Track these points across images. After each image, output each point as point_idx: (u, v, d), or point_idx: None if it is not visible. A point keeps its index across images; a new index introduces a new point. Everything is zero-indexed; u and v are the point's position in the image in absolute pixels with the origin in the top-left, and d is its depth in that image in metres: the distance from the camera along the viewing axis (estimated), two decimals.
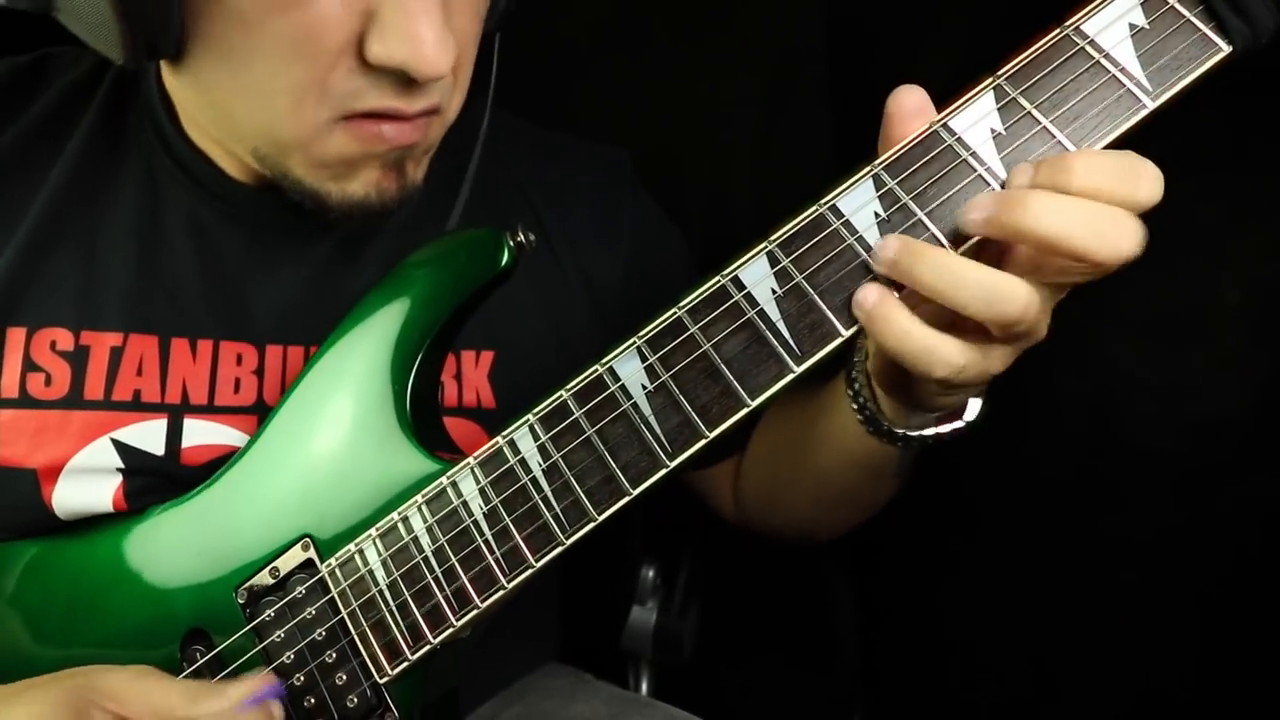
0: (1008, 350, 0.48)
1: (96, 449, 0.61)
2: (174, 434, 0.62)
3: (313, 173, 0.57)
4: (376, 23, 0.50)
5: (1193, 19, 0.45)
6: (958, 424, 0.55)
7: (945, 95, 0.49)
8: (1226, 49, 0.45)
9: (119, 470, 0.61)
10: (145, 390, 0.62)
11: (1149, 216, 0.45)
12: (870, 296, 0.47)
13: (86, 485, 0.61)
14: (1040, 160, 0.45)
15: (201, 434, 0.62)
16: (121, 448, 0.61)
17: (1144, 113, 0.46)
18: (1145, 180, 0.44)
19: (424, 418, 0.58)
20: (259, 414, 0.63)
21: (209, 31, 0.51)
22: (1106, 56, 0.46)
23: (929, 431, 0.55)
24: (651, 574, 0.90)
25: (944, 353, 0.46)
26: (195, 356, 0.63)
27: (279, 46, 0.51)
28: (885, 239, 0.47)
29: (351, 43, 0.51)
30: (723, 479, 0.78)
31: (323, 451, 0.57)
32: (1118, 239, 0.43)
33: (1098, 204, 0.43)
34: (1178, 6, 0.46)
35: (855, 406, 0.57)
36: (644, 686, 0.89)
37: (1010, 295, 0.44)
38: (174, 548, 0.58)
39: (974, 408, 0.55)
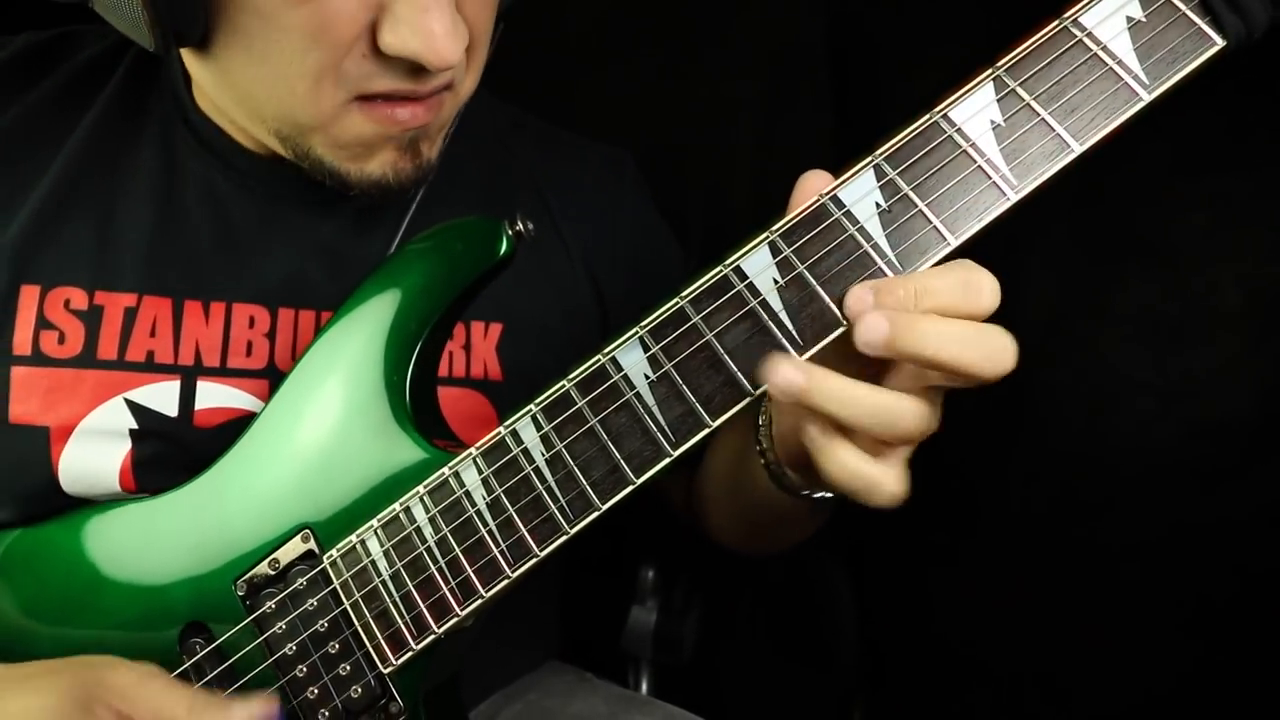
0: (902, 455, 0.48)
1: (109, 409, 0.61)
2: (187, 395, 0.63)
3: (333, 153, 0.59)
4: (388, 15, 0.52)
5: (1189, 13, 0.46)
6: None
7: (948, 92, 0.49)
8: (1221, 43, 0.46)
9: (131, 432, 0.62)
10: (159, 351, 0.63)
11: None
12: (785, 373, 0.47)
13: (97, 448, 0.61)
14: (878, 285, 0.46)
15: (214, 396, 0.63)
16: (135, 408, 0.62)
17: (1140, 105, 0.47)
18: (985, 292, 0.45)
19: (423, 407, 0.59)
20: (270, 378, 0.64)
21: (231, 22, 0.53)
22: (1104, 49, 0.47)
23: (831, 494, 0.55)
24: (651, 574, 0.90)
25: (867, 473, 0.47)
26: (208, 318, 0.64)
27: (295, 36, 0.53)
28: (780, 365, 0.46)
29: (365, 31, 0.53)
30: (675, 486, 0.79)
31: (320, 442, 0.57)
32: (1001, 356, 0.45)
33: (977, 325, 0.45)
34: (1174, 0, 0.46)
35: (763, 462, 0.57)
36: (644, 686, 0.89)
37: (902, 414, 0.46)
38: (170, 539, 0.58)
39: None
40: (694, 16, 0.98)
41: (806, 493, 0.56)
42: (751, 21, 0.97)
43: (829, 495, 0.56)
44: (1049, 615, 0.96)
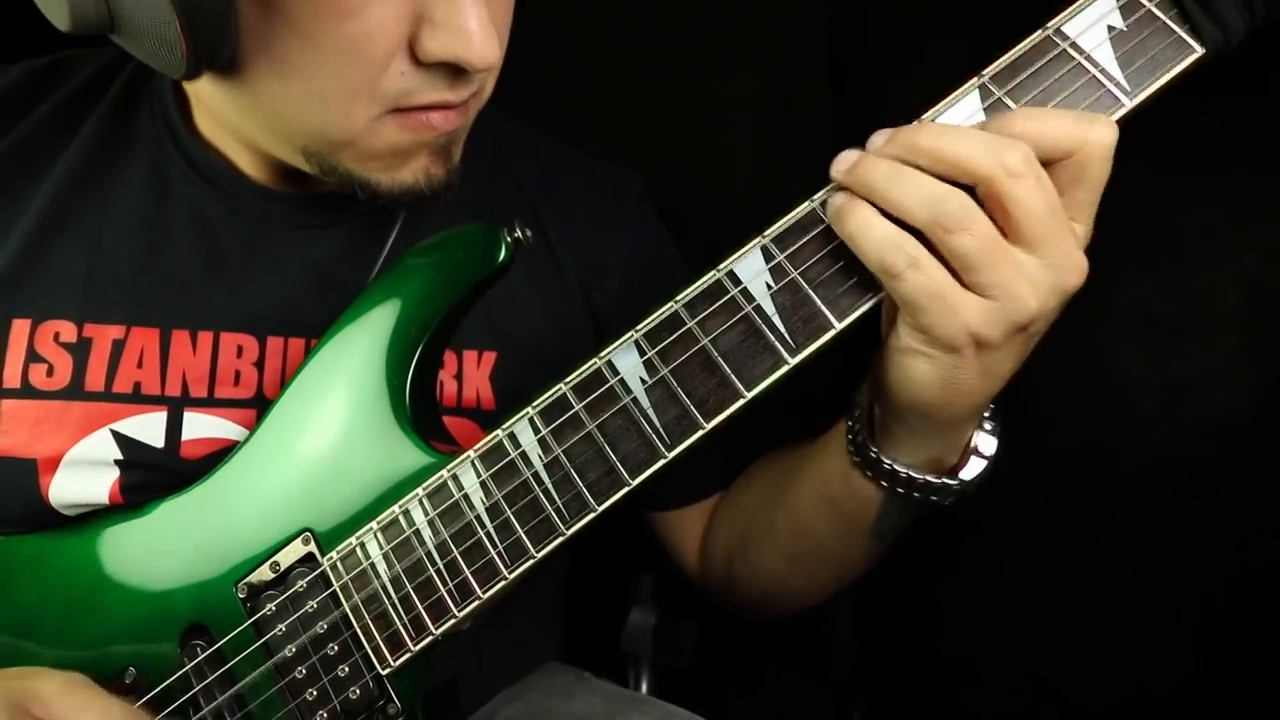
0: (977, 302, 0.47)
1: (96, 440, 0.62)
2: (174, 427, 0.63)
3: (363, 165, 0.58)
4: (428, 22, 0.52)
5: (1168, 22, 0.47)
6: (952, 481, 0.55)
7: (944, 94, 0.50)
8: (1200, 50, 0.47)
9: (117, 463, 0.62)
10: (145, 382, 0.63)
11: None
12: (839, 196, 0.49)
13: (84, 477, 0.61)
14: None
15: (201, 427, 0.63)
16: (121, 439, 0.62)
17: (1122, 111, 0.47)
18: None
19: (422, 411, 0.59)
20: (258, 408, 0.64)
21: (264, 42, 0.52)
22: (1087, 58, 0.48)
23: (918, 474, 0.55)
24: (652, 575, 0.90)
25: (903, 245, 0.46)
26: (195, 348, 0.64)
27: (334, 54, 0.52)
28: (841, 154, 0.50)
29: (403, 45, 0.53)
30: (690, 528, 0.77)
31: (320, 446, 0.58)
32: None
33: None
34: (1154, 10, 0.47)
35: (850, 436, 0.57)
36: (644, 686, 0.90)
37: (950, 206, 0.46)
38: (171, 543, 0.59)
39: (975, 467, 0.55)
40: (694, 15, 0.98)
41: (889, 463, 0.55)
42: (752, 20, 0.97)
43: (914, 474, 0.55)
44: (1048, 616, 0.96)
